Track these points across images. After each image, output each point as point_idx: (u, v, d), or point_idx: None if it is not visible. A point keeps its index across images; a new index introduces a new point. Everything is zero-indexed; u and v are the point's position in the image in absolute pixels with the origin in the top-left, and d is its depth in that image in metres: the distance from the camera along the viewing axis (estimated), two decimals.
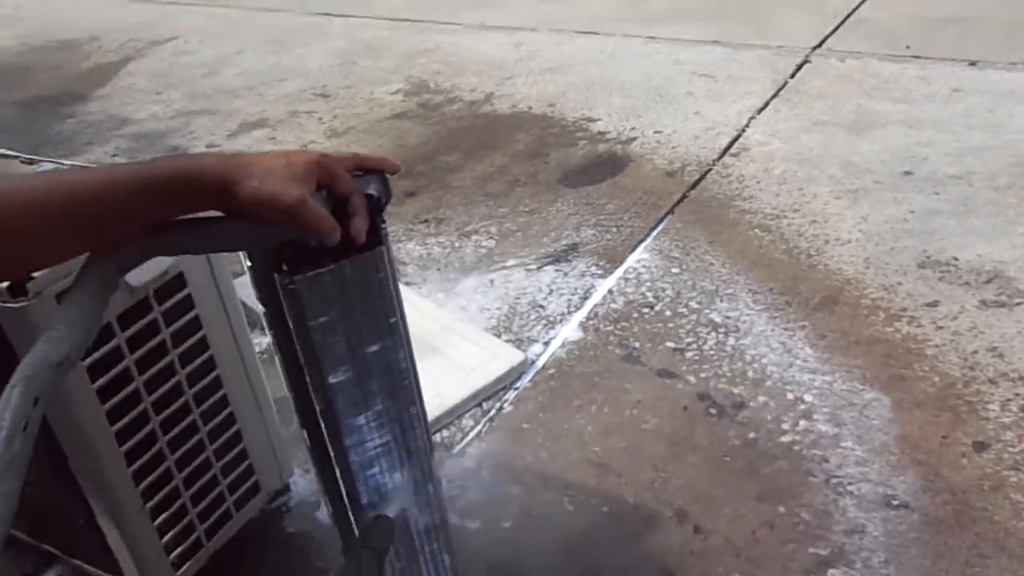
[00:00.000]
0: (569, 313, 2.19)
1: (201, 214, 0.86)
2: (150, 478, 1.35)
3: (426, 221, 2.71)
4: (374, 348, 1.02)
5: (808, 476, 1.66)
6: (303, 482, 1.75)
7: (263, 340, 2.11)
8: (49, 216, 0.80)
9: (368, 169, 0.96)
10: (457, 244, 2.56)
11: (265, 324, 1.01)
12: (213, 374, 1.44)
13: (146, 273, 1.25)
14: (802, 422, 1.78)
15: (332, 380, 1.02)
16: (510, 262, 2.44)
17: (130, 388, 1.28)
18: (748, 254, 2.35)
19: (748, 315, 2.11)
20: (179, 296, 1.34)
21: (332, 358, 1.00)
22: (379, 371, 1.04)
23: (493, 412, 1.90)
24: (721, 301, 2.17)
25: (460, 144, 3.21)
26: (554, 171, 2.93)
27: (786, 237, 2.41)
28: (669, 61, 3.77)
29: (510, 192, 2.82)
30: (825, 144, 2.89)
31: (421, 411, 1.14)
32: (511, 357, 2.02)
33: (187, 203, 0.83)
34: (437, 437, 1.84)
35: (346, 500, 1.16)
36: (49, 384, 0.77)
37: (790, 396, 1.85)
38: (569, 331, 2.13)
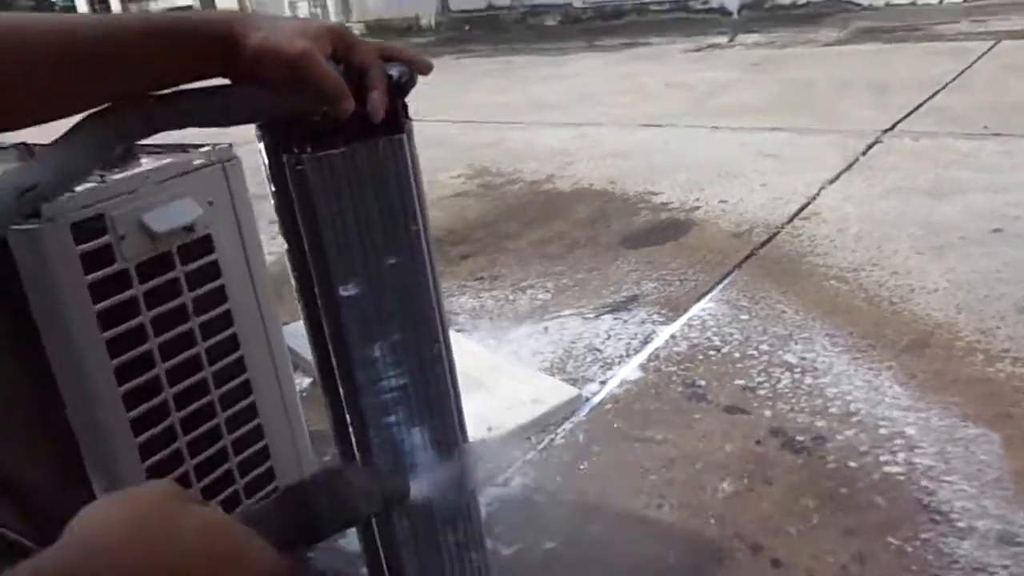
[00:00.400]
0: (628, 356, 2.03)
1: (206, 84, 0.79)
2: (158, 456, 1.22)
3: (480, 278, 2.61)
4: (391, 261, 0.90)
5: (907, 510, 1.42)
6: None
7: (303, 380, 2.01)
8: (44, 55, 0.73)
9: (394, 59, 0.87)
10: (511, 297, 2.45)
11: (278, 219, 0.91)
12: (236, 354, 1.32)
13: (169, 219, 1.17)
14: (900, 455, 1.55)
15: (343, 292, 0.90)
16: (566, 312, 2.31)
17: (143, 348, 1.18)
18: (823, 303, 2.17)
19: (827, 356, 1.91)
20: (205, 260, 1.25)
21: (343, 263, 0.88)
22: (397, 291, 0.92)
23: (543, 444, 1.72)
24: (795, 344, 1.98)
25: (519, 216, 3.16)
26: (614, 235, 2.83)
27: (865, 287, 2.23)
28: (734, 144, 3.72)
29: (568, 254, 2.72)
30: (902, 208, 2.73)
31: (447, 356, 1.00)
32: (563, 392, 1.86)
33: (191, 54, 0.76)
34: (483, 473, 1.66)
35: (357, 456, 1.02)
36: (9, 208, 0.69)
37: (882, 431, 1.63)
38: (628, 371, 1.96)
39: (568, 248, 2.77)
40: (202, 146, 1.28)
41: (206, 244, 1.26)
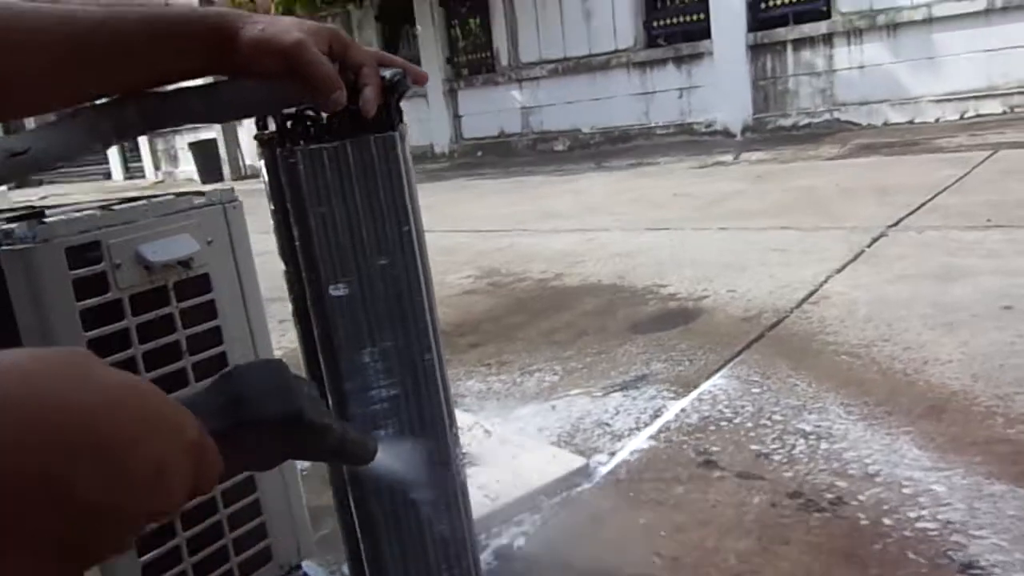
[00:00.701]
0: (638, 429, 1.98)
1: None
2: None
3: (488, 364, 2.59)
4: (383, 261, 0.90)
5: (940, 564, 1.34)
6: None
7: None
8: (40, 43, 0.75)
9: (389, 65, 0.89)
10: (519, 380, 2.41)
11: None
12: None
13: (166, 252, 1.18)
14: (926, 511, 1.47)
15: (333, 292, 0.89)
16: (574, 391, 2.27)
17: None
18: (836, 376, 2.12)
19: (842, 424, 1.85)
20: (202, 299, 1.25)
21: (333, 261, 0.88)
22: (388, 293, 0.91)
23: (550, 512, 1.65)
24: (809, 414, 1.93)
25: (527, 309, 3.16)
26: (623, 323, 2.81)
27: (878, 361, 2.19)
28: (741, 242, 3.75)
29: (576, 340, 2.70)
30: (912, 291, 2.72)
31: (440, 367, 0.98)
32: (570, 462, 1.80)
33: (188, 46, 0.78)
34: (488, 538, 1.59)
35: (345, 475, 0.98)
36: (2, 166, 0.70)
37: (906, 490, 1.55)
38: (638, 442, 1.90)
39: (576, 335, 2.75)
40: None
41: (203, 282, 1.26)
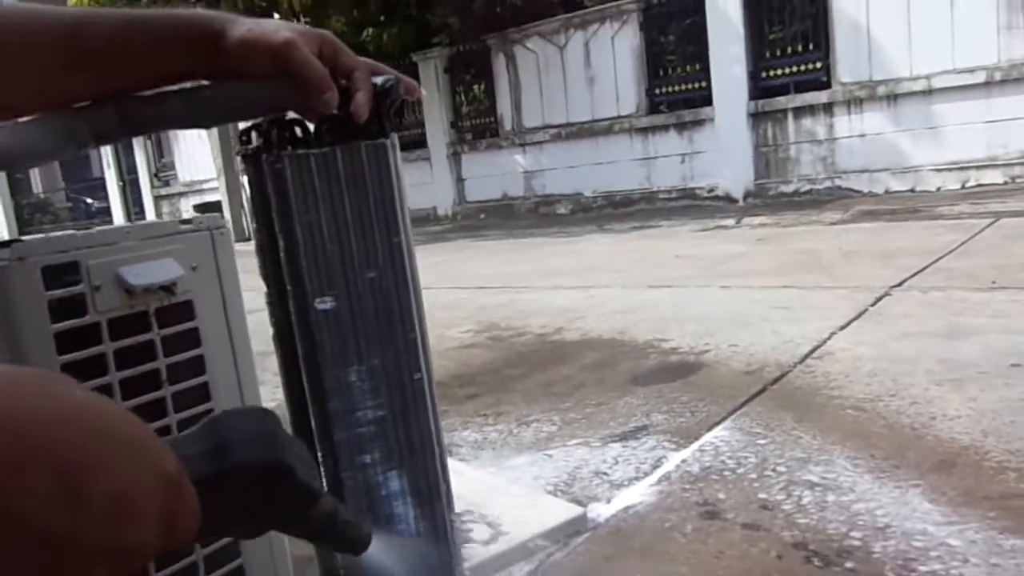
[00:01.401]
0: (638, 478, 1.91)
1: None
2: None
3: (484, 415, 2.53)
4: (371, 274, 0.86)
5: None
6: None
7: None
8: (15, 45, 0.73)
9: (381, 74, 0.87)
10: (515, 430, 2.35)
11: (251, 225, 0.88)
12: None
13: (148, 275, 1.14)
14: (938, 566, 1.40)
15: (319, 305, 0.85)
16: (572, 441, 2.20)
17: None
18: (841, 429, 2.06)
19: (849, 476, 1.79)
20: (185, 326, 1.21)
21: (319, 274, 0.84)
22: (377, 307, 0.87)
23: (546, 561, 1.58)
24: (815, 466, 1.86)
25: (526, 362, 3.11)
26: (623, 375, 2.76)
27: (884, 416, 2.13)
28: (743, 300, 3.72)
29: (575, 392, 2.64)
30: (918, 348, 2.67)
31: (430, 389, 0.93)
32: (567, 511, 1.73)
33: (174, 48, 0.76)
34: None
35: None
36: None
37: (916, 543, 1.48)
38: (637, 492, 1.83)
39: (575, 387, 2.69)
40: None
41: (187, 310, 1.22)
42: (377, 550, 0.65)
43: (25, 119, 0.75)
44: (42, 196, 21.60)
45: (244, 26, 0.75)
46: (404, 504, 0.94)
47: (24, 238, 1.05)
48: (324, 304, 0.86)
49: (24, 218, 20.25)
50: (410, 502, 0.94)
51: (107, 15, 0.76)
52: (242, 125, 0.86)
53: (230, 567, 1.27)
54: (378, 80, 0.81)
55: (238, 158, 0.90)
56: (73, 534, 0.32)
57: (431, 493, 0.95)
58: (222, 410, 0.53)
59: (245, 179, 0.88)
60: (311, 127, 0.83)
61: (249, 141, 0.86)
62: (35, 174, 21.13)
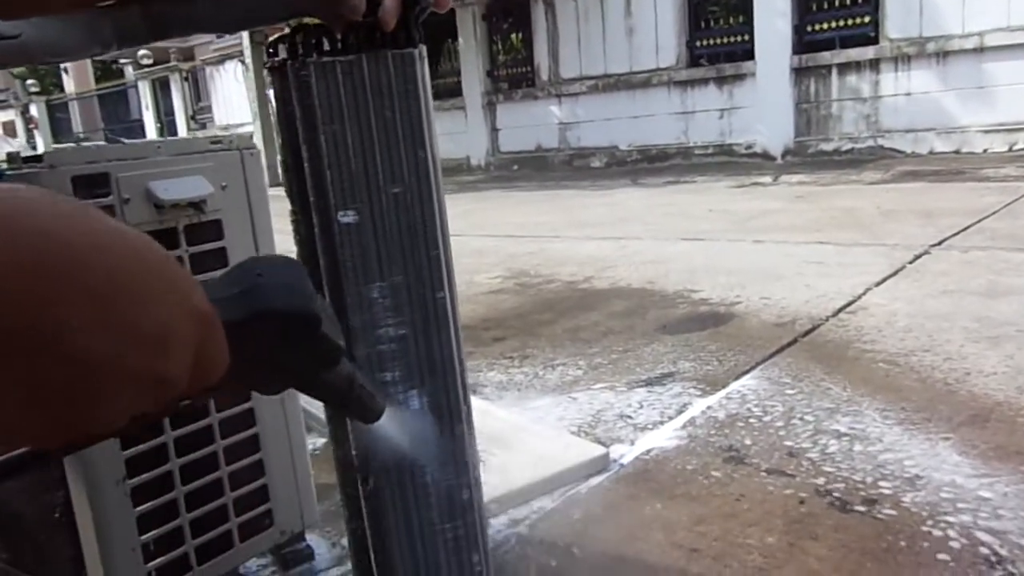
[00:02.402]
0: (662, 422, 1.90)
1: None
2: (137, 447, 1.13)
3: (510, 357, 2.52)
4: (396, 189, 0.84)
5: (980, 572, 1.24)
6: (325, 549, 1.45)
7: (318, 441, 1.91)
8: None
9: None
10: (541, 373, 2.35)
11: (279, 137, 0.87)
12: None
13: (178, 191, 1.14)
14: (964, 517, 1.38)
15: (342, 219, 0.84)
16: (597, 385, 2.20)
17: None
18: (872, 382, 2.03)
19: (878, 427, 1.76)
20: (213, 245, 1.21)
21: (343, 186, 0.83)
22: (400, 223, 0.85)
23: (567, 498, 1.58)
24: (844, 416, 1.84)
25: (554, 307, 3.10)
26: (651, 323, 2.74)
27: (916, 370, 2.09)
28: (777, 254, 3.66)
29: (602, 339, 2.63)
30: (955, 305, 2.61)
31: (452, 309, 0.92)
32: (589, 450, 1.73)
33: None
34: (503, 518, 1.52)
35: (348, 421, 0.92)
36: None
37: (943, 494, 1.46)
38: (661, 435, 1.82)
39: (602, 334, 2.68)
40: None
41: (215, 229, 1.22)
42: (388, 422, 0.65)
43: (51, 20, 0.74)
44: (81, 136, 21.84)
45: None
46: (425, 431, 0.94)
47: (56, 146, 1.05)
48: (347, 217, 0.84)
49: None
50: (430, 432, 0.94)
51: None
52: (271, 37, 0.84)
53: (250, 460, 1.29)
54: None
55: (265, 70, 0.88)
56: (111, 358, 0.32)
57: (451, 412, 0.94)
58: (250, 256, 0.51)
59: (271, 93, 0.87)
60: (338, 37, 0.81)
61: (276, 54, 0.84)
62: (75, 115, 21.33)
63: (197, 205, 1.18)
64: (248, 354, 0.44)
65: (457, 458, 0.96)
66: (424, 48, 0.86)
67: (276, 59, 0.84)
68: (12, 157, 1.02)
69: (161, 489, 1.18)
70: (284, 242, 1.04)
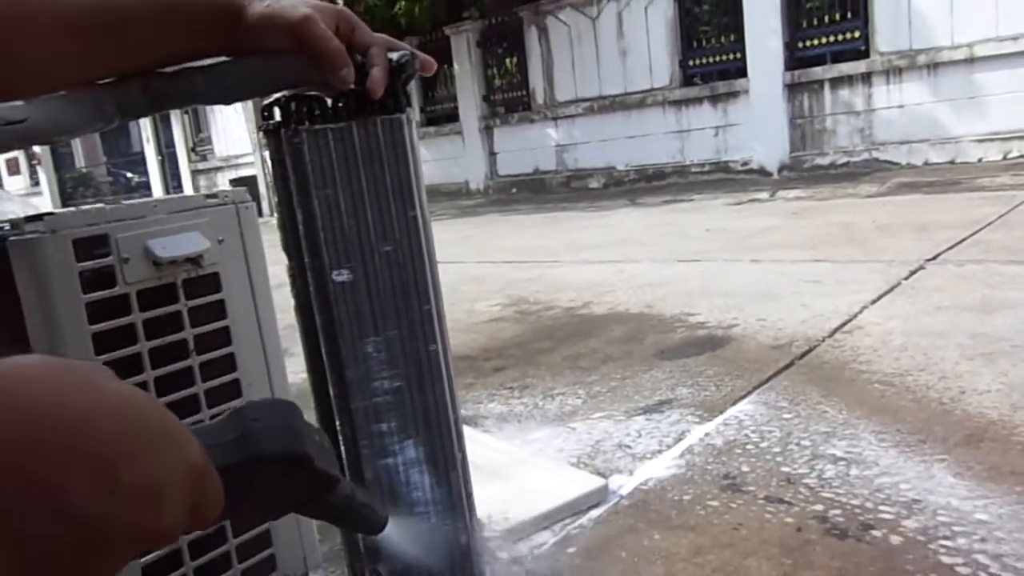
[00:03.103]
0: (660, 451, 1.92)
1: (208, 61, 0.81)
2: None
3: (510, 388, 2.55)
4: (387, 248, 0.88)
5: None
6: None
7: None
8: (36, 22, 0.75)
9: (397, 50, 0.88)
10: (540, 403, 2.37)
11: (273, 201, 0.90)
12: (237, 401, 1.28)
13: (175, 248, 1.17)
14: (961, 540, 1.40)
15: (336, 277, 0.87)
16: (596, 415, 2.22)
17: (138, 378, 1.14)
18: (868, 403, 2.05)
19: (874, 450, 1.78)
20: (211, 298, 1.24)
21: (336, 246, 0.86)
22: (393, 280, 0.89)
23: (567, 533, 1.60)
24: (840, 440, 1.85)
25: (553, 335, 3.13)
26: (649, 349, 2.76)
27: (912, 390, 2.11)
28: (774, 273, 3.69)
29: (601, 366, 2.65)
30: (950, 322, 2.63)
31: (445, 360, 0.95)
32: (588, 482, 1.75)
33: (193, 23, 0.77)
34: (504, 555, 1.54)
35: (346, 470, 0.95)
36: None
37: (940, 518, 1.48)
38: (659, 464, 1.84)
39: (601, 361, 2.70)
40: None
41: (213, 282, 1.25)
42: (393, 531, 0.69)
43: (53, 95, 0.77)
44: (84, 170, 21.97)
45: (263, 3, 0.76)
46: (420, 472, 0.96)
47: (55, 211, 1.08)
48: (341, 276, 0.87)
49: (67, 192, 20.64)
50: (426, 470, 0.96)
51: None
52: (264, 101, 0.88)
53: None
54: (394, 56, 0.82)
55: (260, 133, 0.91)
56: (108, 516, 0.35)
57: (447, 462, 0.97)
58: (246, 401, 0.56)
59: (267, 154, 0.90)
60: (329, 104, 0.84)
61: (271, 116, 0.87)
62: (77, 149, 21.48)
63: (194, 260, 1.21)
64: (244, 493, 0.48)
65: (454, 504, 0.99)
66: (412, 111, 0.89)
67: (270, 123, 0.87)
68: (15, 223, 1.06)
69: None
70: (281, 292, 1.07)
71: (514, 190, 10.85)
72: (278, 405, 0.57)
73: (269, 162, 0.90)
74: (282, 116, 0.85)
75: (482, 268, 4.84)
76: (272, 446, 0.52)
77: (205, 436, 0.49)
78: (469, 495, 1.00)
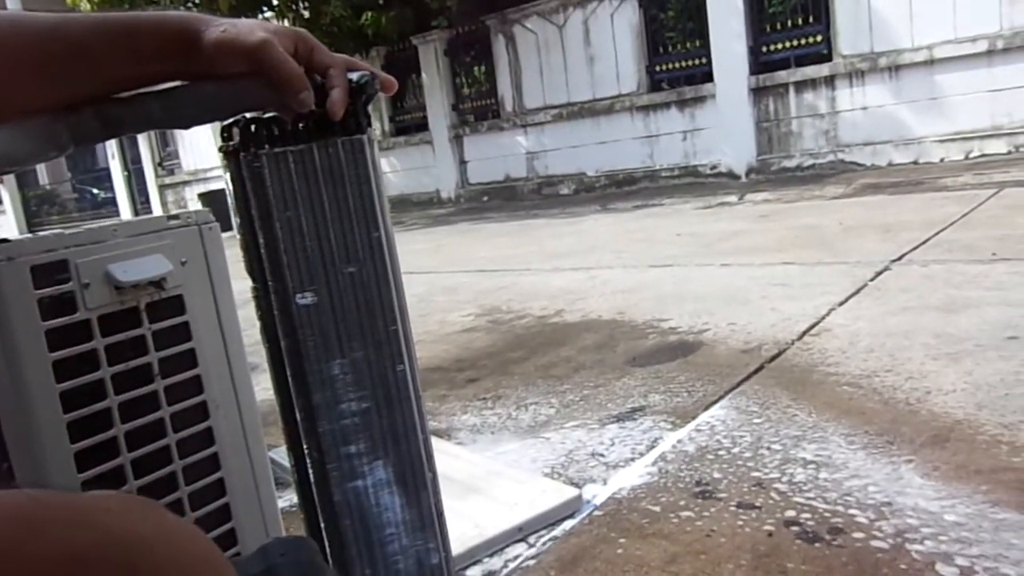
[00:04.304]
0: (633, 459, 1.93)
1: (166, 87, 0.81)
2: None
3: (484, 399, 2.55)
4: (351, 269, 0.88)
5: None
6: None
7: (292, 497, 1.92)
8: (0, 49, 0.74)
9: (358, 69, 0.88)
10: (514, 414, 2.37)
11: (235, 223, 0.89)
12: (205, 424, 1.26)
13: (137, 272, 1.16)
14: (927, 541, 1.42)
15: (300, 300, 0.87)
16: (569, 424, 2.22)
17: (100, 405, 1.13)
18: (837, 406, 2.08)
19: (843, 453, 1.80)
20: (175, 320, 1.22)
21: (300, 269, 0.86)
22: (358, 301, 0.88)
23: (541, 544, 1.60)
24: (809, 443, 1.87)
25: (526, 344, 3.13)
26: (621, 356, 2.78)
27: (879, 391, 2.14)
28: (743, 277, 3.72)
29: (574, 375, 2.66)
30: (915, 322, 2.67)
31: (413, 380, 0.95)
32: (562, 493, 1.75)
33: (148, 52, 0.77)
34: (477, 569, 1.54)
35: (315, 492, 0.94)
36: None
37: (908, 519, 1.50)
38: (632, 472, 1.85)
39: (574, 370, 2.71)
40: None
41: (177, 304, 1.23)
42: None
43: (3, 125, 0.76)
44: (48, 187, 21.65)
45: (219, 27, 0.76)
46: (390, 494, 0.96)
47: (11, 238, 1.06)
48: (305, 299, 0.87)
49: (31, 210, 20.32)
50: (396, 491, 0.96)
51: (82, 19, 0.77)
52: (223, 123, 0.87)
53: (211, 479, 1.29)
54: (353, 76, 0.82)
55: (220, 155, 0.91)
56: None
57: (416, 482, 0.97)
58: (274, 538, 0.69)
59: (228, 176, 0.90)
60: (289, 127, 0.84)
61: (230, 138, 0.87)
62: (41, 167, 21.15)
63: (157, 283, 1.20)
64: None
65: (425, 524, 0.98)
66: (373, 131, 0.89)
67: (230, 144, 0.86)
68: None
69: None
70: (251, 306, 1.06)
71: (486, 198, 10.85)
72: (301, 543, 0.68)
73: (230, 183, 0.90)
74: (241, 138, 0.85)
75: (454, 278, 4.83)
76: None
77: (240, 567, 0.59)
78: (440, 514, 1.00)
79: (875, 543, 1.43)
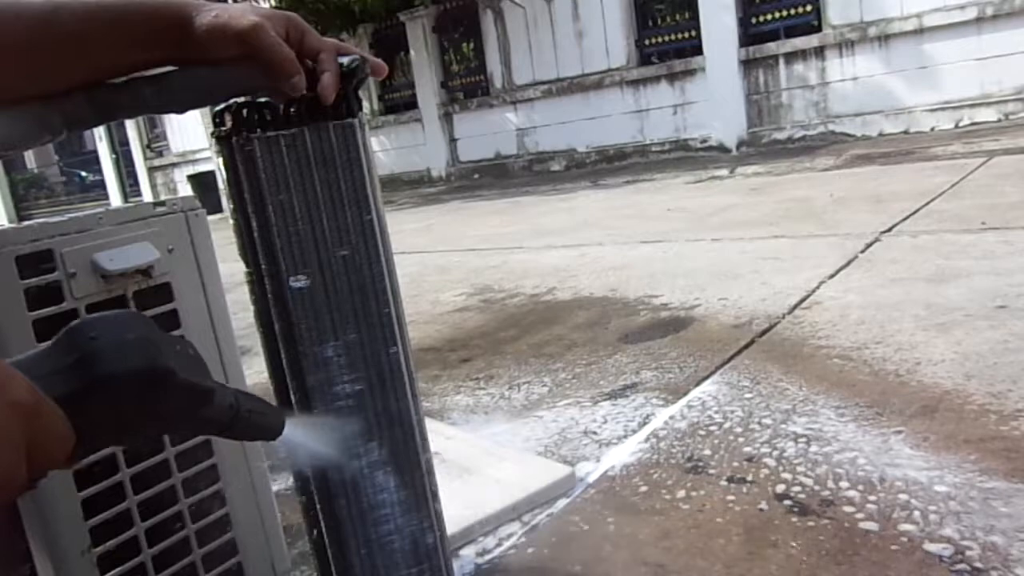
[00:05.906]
0: (626, 436, 1.94)
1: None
2: (103, 515, 1.14)
3: (476, 379, 2.55)
4: (343, 252, 0.87)
5: (930, 565, 1.29)
6: None
7: (288, 480, 1.93)
8: None
9: (348, 54, 0.88)
10: (507, 393, 2.38)
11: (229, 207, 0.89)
12: None
13: (123, 260, 1.15)
14: (916, 511, 1.43)
15: (293, 283, 0.87)
16: (562, 402, 2.23)
17: None
18: (827, 379, 2.09)
19: (833, 426, 1.82)
20: (164, 308, 1.22)
21: (293, 252, 0.85)
22: (351, 284, 0.88)
23: (535, 523, 1.61)
24: (800, 416, 1.89)
25: (518, 323, 3.13)
26: (613, 334, 2.78)
27: (869, 363, 2.15)
28: (734, 252, 3.73)
29: (566, 353, 2.67)
30: (905, 293, 2.69)
31: (406, 362, 0.95)
32: (555, 471, 1.76)
33: (141, 34, 0.76)
34: (472, 549, 1.55)
35: (310, 474, 0.95)
36: None
37: (897, 491, 1.51)
38: (625, 450, 1.86)
39: (566, 348, 2.72)
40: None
41: (165, 292, 1.23)
42: (293, 432, 0.63)
43: None
44: (36, 171, 21.50)
45: (211, 11, 0.75)
46: (384, 474, 0.97)
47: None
48: (299, 282, 0.87)
49: (19, 194, 20.18)
50: (390, 472, 0.97)
51: (75, 6, 0.76)
52: (215, 108, 0.86)
53: (216, 515, 1.30)
54: (344, 60, 0.82)
55: (212, 139, 0.90)
56: None
57: (410, 462, 0.97)
58: (81, 318, 0.49)
59: (220, 160, 0.89)
60: (281, 111, 0.83)
61: (222, 123, 0.86)
62: (28, 150, 21.00)
63: (144, 271, 1.20)
64: (100, 422, 0.43)
65: (420, 504, 0.99)
66: (364, 115, 0.89)
67: (222, 129, 0.86)
68: None
69: (128, 554, 1.19)
70: (242, 288, 1.06)
71: (476, 176, 10.82)
72: (121, 317, 0.49)
73: (222, 168, 0.89)
74: (233, 123, 0.84)
75: (446, 257, 4.83)
76: (120, 363, 0.45)
77: (34, 366, 0.44)
78: (434, 494, 1.01)
79: (865, 515, 1.45)
